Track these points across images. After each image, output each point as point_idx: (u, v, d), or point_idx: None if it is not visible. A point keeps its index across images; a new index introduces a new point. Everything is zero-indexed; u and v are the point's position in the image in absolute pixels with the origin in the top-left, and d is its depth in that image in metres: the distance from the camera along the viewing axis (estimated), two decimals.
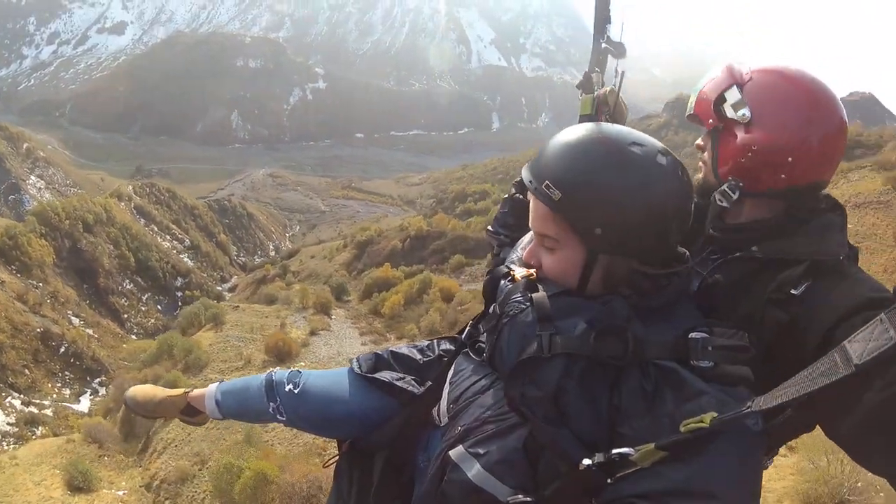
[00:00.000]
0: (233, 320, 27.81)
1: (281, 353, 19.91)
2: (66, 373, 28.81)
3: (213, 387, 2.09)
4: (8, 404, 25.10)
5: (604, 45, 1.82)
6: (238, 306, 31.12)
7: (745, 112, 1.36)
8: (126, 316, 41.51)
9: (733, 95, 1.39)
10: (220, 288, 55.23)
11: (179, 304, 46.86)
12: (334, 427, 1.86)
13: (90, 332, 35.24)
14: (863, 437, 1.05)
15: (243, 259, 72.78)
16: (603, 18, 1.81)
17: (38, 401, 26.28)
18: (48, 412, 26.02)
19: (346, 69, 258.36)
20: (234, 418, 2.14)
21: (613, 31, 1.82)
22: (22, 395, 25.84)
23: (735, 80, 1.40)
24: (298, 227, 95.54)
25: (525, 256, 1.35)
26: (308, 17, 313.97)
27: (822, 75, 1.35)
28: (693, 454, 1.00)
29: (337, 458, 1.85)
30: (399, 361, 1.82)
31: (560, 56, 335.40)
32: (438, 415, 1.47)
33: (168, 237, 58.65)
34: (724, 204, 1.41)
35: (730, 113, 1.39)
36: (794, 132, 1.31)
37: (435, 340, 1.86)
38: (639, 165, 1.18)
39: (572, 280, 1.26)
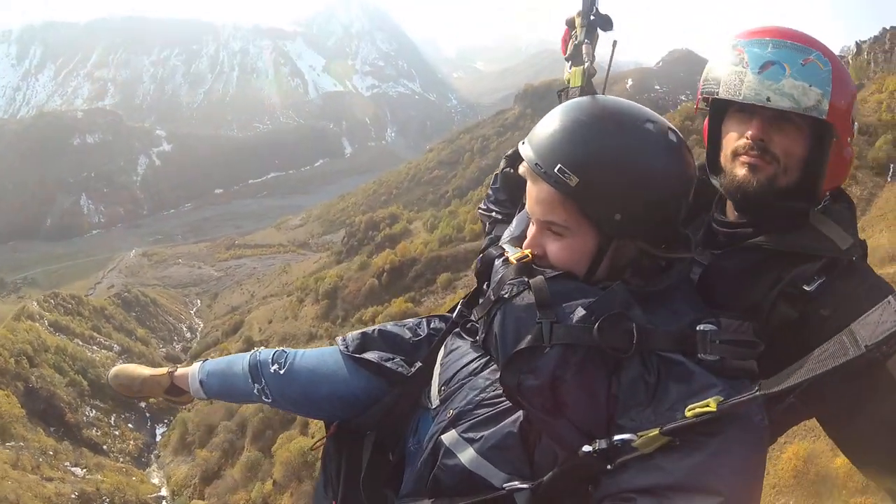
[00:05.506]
0: None
1: None
2: None
3: (196, 366, 2.07)
4: None
5: (592, 17, 1.85)
6: None
7: None
8: (106, 447, 36.98)
9: None
10: None
11: (147, 415, 43.73)
12: (321, 408, 1.81)
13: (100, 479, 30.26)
14: (867, 444, 1.02)
15: (164, 350, 70.72)
16: None
17: None
18: None
19: (185, 126, 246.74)
20: (219, 398, 2.14)
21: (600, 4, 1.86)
22: None
23: None
24: (200, 302, 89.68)
25: (527, 245, 1.24)
26: (132, 78, 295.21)
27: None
28: (696, 446, 0.96)
29: (324, 440, 1.79)
30: (387, 340, 1.77)
31: (390, 70, 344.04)
32: (429, 397, 1.42)
33: (96, 347, 53.49)
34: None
35: None
36: None
37: (425, 319, 1.83)
38: (655, 144, 1.13)
39: (581, 268, 1.18)
